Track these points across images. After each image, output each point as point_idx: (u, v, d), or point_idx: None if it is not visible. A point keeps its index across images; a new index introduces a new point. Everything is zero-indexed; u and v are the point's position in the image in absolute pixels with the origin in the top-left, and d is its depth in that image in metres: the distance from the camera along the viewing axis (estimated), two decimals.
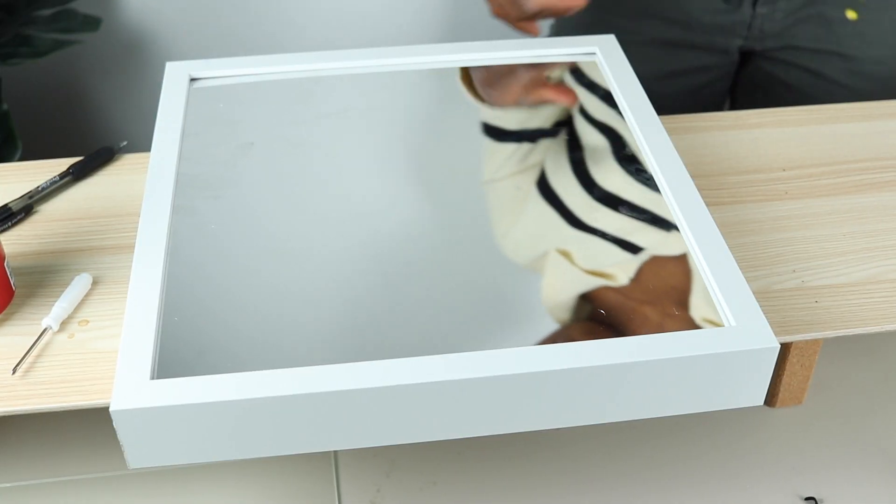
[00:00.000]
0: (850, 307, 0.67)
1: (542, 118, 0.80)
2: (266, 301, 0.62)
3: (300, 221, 0.69)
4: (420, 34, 1.54)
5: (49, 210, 0.76)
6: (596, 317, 0.61)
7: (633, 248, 0.66)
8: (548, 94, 0.83)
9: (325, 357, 0.57)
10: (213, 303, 0.62)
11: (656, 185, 0.70)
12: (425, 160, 0.75)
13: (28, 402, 0.60)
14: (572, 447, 0.81)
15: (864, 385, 0.87)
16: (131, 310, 0.59)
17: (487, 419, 0.57)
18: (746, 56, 1.09)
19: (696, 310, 0.61)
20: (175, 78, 0.81)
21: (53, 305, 0.65)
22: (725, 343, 0.57)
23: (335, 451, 0.80)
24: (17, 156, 1.22)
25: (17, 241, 0.73)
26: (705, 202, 0.68)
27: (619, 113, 0.78)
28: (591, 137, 0.76)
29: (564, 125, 0.78)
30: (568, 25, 1.11)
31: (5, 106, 1.25)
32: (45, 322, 0.64)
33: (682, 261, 0.64)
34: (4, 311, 0.66)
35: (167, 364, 0.57)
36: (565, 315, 0.62)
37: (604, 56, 0.84)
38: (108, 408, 0.54)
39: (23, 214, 0.75)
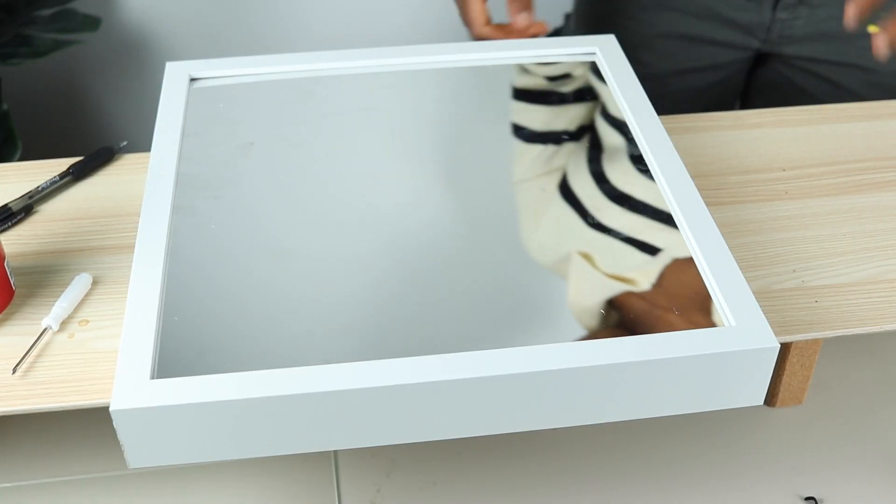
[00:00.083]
0: (849, 307, 0.67)
1: (566, 119, 0.79)
2: (266, 301, 0.62)
3: (300, 221, 0.69)
4: (420, 34, 1.54)
5: (49, 210, 0.76)
6: (622, 324, 0.61)
7: (651, 250, 0.66)
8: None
9: (325, 357, 0.57)
10: (213, 303, 0.62)
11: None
12: (425, 160, 0.75)
13: (28, 402, 0.60)
14: (572, 447, 0.81)
15: (864, 385, 0.87)
16: (131, 310, 0.59)
17: (487, 419, 0.57)
18: (764, 58, 1.09)
19: (717, 315, 0.61)
20: (175, 78, 0.81)
21: (53, 305, 0.65)
22: (725, 343, 0.57)
23: (335, 451, 0.80)
24: (17, 156, 1.22)
25: (17, 241, 0.73)
26: (705, 202, 0.68)
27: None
28: (611, 139, 0.76)
29: (587, 127, 0.78)
30: (588, 16, 1.11)
31: (5, 106, 1.25)
32: (45, 322, 0.64)
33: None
34: (4, 311, 0.66)
35: (167, 364, 0.57)
36: (591, 321, 0.62)
37: (604, 56, 0.84)
38: (108, 408, 0.54)
39: (23, 214, 0.75)
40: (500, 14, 0.92)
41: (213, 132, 0.76)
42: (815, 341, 0.80)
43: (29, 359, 0.62)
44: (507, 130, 0.78)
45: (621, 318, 0.62)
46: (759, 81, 1.12)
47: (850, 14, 0.81)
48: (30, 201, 0.76)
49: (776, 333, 0.61)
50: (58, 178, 0.78)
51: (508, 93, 0.83)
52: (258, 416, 0.55)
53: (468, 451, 0.80)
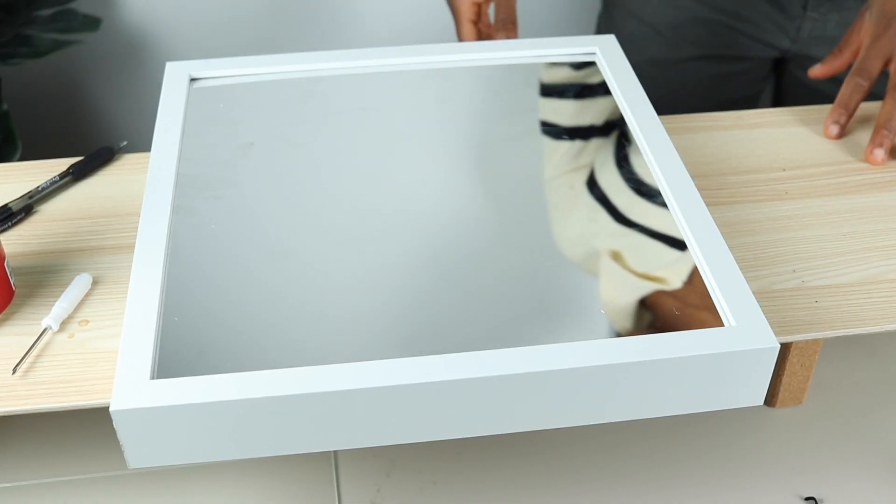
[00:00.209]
0: (849, 307, 0.67)
1: (592, 115, 0.80)
2: (266, 301, 0.62)
3: (300, 221, 0.69)
4: (420, 34, 1.54)
5: (49, 210, 0.76)
6: (654, 323, 0.61)
7: (681, 245, 0.66)
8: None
9: (325, 357, 0.57)
10: (213, 303, 0.62)
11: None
12: (425, 160, 0.75)
13: (28, 402, 0.60)
14: (572, 447, 0.81)
15: (864, 385, 0.87)
16: (131, 310, 0.59)
17: (487, 419, 0.57)
18: (796, 59, 1.10)
19: None
20: (175, 78, 0.81)
21: (53, 305, 0.65)
22: (725, 343, 0.57)
23: (335, 451, 0.80)
24: (17, 156, 1.22)
25: (17, 241, 0.73)
26: (705, 202, 0.68)
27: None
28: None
29: (615, 123, 0.78)
30: None
31: (5, 106, 1.25)
32: (45, 322, 0.64)
33: None
34: (4, 311, 0.66)
35: (167, 364, 0.57)
36: (624, 322, 0.62)
37: (604, 56, 0.84)
38: (108, 408, 0.54)
39: (23, 214, 0.75)
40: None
41: (213, 132, 0.76)
42: (815, 341, 0.80)
43: (29, 359, 0.62)
44: (508, 130, 0.78)
45: (654, 317, 0.62)
46: (788, 82, 1.13)
47: (817, 73, 0.84)
48: (30, 201, 0.76)
49: (776, 333, 0.61)
50: (58, 178, 0.78)
51: (509, 92, 0.83)
52: (258, 417, 0.55)
53: (468, 451, 0.80)
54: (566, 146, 0.76)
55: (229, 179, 0.72)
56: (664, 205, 0.69)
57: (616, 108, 0.79)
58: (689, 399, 0.59)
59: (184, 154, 0.73)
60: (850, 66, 0.87)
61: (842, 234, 0.74)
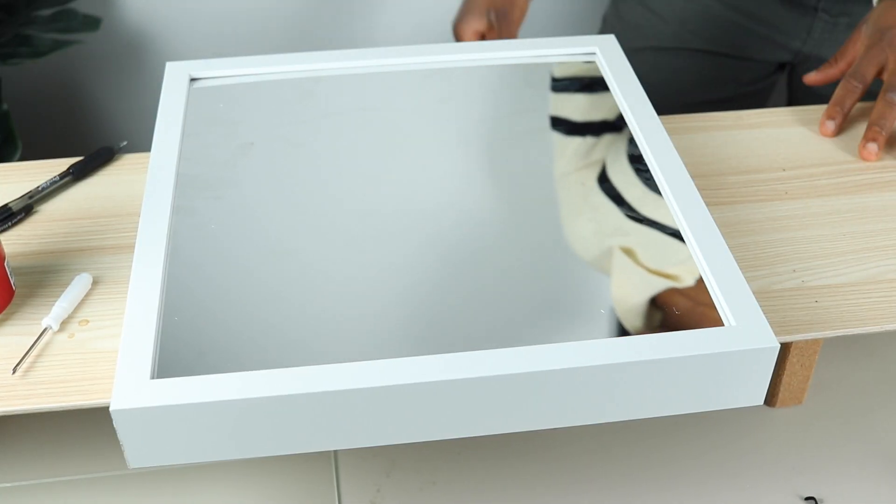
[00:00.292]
0: (849, 307, 0.67)
1: (604, 110, 0.80)
2: (266, 301, 0.62)
3: (300, 221, 0.69)
4: (420, 34, 1.54)
5: (49, 210, 0.76)
6: (665, 322, 0.61)
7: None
8: None
9: (325, 357, 0.57)
10: (213, 303, 0.62)
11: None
12: (426, 160, 0.75)
13: (28, 401, 0.60)
14: (572, 447, 0.81)
15: (864, 385, 0.87)
16: (131, 310, 0.59)
17: (487, 419, 0.57)
18: (813, 61, 1.10)
19: None
20: (175, 78, 0.81)
21: (53, 305, 0.65)
22: (725, 343, 0.57)
23: (335, 451, 0.80)
24: (17, 156, 1.22)
25: (17, 241, 0.73)
26: (705, 202, 0.68)
27: None
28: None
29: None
30: None
31: (5, 106, 1.25)
32: (45, 322, 0.64)
33: None
34: (4, 311, 0.66)
35: (167, 364, 0.57)
36: (635, 320, 0.62)
37: (604, 56, 0.84)
38: (108, 408, 0.54)
39: (23, 214, 0.75)
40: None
41: (213, 132, 0.76)
42: (815, 341, 0.80)
43: (29, 359, 0.62)
44: (509, 130, 0.78)
45: (665, 316, 0.62)
46: (799, 84, 1.14)
47: (812, 80, 0.87)
48: (30, 201, 0.76)
49: (776, 333, 0.61)
50: (58, 178, 0.78)
51: (509, 92, 0.83)
52: (258, 416, 0.55)
53: (468, 451, 0.80)
54: (577, 142, 0.76)
55: (229, 179, 0.72)
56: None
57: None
58: (689, 399, 0.59)
59: (184, 154, 0.73)
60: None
61: (842, 234, 0.74)
